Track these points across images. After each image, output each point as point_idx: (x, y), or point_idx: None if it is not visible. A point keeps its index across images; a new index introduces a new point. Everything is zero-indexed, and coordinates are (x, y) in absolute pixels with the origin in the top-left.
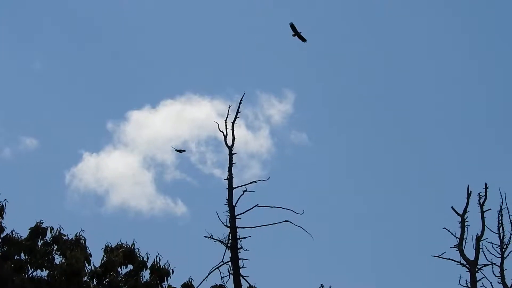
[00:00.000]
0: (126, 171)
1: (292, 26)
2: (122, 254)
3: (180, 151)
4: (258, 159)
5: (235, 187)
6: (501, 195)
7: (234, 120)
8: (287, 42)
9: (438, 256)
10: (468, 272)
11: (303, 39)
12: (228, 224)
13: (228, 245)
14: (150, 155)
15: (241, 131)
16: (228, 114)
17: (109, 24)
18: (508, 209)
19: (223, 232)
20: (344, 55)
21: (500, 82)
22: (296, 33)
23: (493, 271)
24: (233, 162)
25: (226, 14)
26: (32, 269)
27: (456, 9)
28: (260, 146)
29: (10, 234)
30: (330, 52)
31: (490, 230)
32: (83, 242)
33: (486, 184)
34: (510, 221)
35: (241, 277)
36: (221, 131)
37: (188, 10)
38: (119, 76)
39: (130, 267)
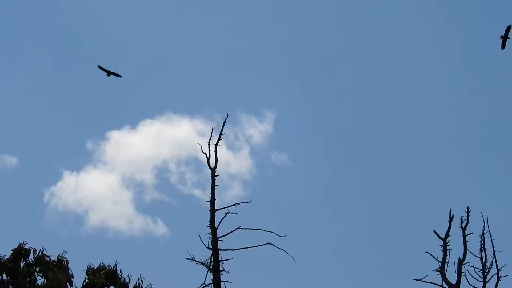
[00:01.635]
0: (105, 190)
1: (101, 68)
2: (104, 275)
3: (112, 74)
4: (239, 179)
5: (218, 209)
6: (483, 219)
7: (217, 142)
8: (267, 62)
9: (420, 280)
10: None
11: (118, 75)
12: (210, 246)
13: (210, 267)
14: (129, 175)
15: (221, 151)
16: (211, 135)
17: (89, 43)
18: (490, 233)
19: (205, 254)
20: (324, 74)
21: (485, 108)
22: (109, 73)
23: None
24: (215, 184)
25: (205, 34)
26: None
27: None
28: (241, 167)
29: None
30: (310, 71)
31: (472, 254)
32: (65, 263)
33: (468, 208)
34: (492, 245)
35: None
36: (204, 153)
37: (167, 30)
38: (99, 96)
39: None
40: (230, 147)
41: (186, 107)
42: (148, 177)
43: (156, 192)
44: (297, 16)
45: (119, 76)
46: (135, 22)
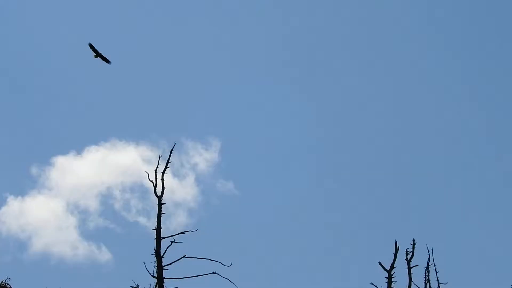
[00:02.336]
0: (49, 216)
1: (91, 46)
2: None
3: (102, 57)
4: (184, 207)
5: (163, 238)
6: (428, 252)
7: (164, 170)
8: (213, 89)
9: None
10: None
11: (107, 61)
12: (155, 275)
13: None
14: (73, 201)
15: (167, 179)
16: (158, 163)
17: (35, 70)
18: (435, 266)
19: (150, 282)
20: (269, 101)
21: (431, 135)
22: (98, 54)
23: None
24: (162, 212)
25: (148, 60)
26: None
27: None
28: (186, 194)
29: None
30: (254, 99)
31: (417, 286)
32: None
33: (413, 240)
34: (437, 277)
35: None
36: (151, 181)
37: (110, 53)
38: (45, 121)
39: None
40: (176, 174)
41: (131, 134)
42: (93, 204)
43: (101, 219)
44: (238, 47)
45: (108, 62)
46: (80, 47)
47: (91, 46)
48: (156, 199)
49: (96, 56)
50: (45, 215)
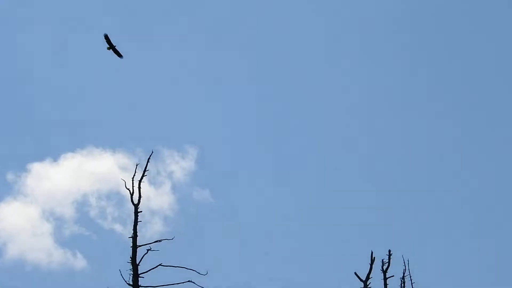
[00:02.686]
0: (25, 222)
1: (107, 37)
2: None
3: (114, 51)
4: (160, 215)
5: (139, 246)
6: (404, 262)
7: (141, 178)
8: (190, 96)
9: None
10: None
11: (119, 55)
12: (131, 283)
13: None
14: (49, 208)
15: (143, 187)
16: (135, 171)
17: (12, 76)
18: (411, 276)
19: None
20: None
21: (410, 141)
22: (111, 47)
23: None
24: (138, 220)
25: (124, 66)
26: None
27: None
28: (162, 202)
29: None
30: (233, 106)
31: None
32: None
33: (389, 251)
34: None
35: None
36: (128, 189)
37: (87, 61)
38: (21, 127)
39: None
40: (152, 182)
41: (108, 141)
42: (68, 211)
43: (76, 226)
44: (216, 53)
45: (121, 56)
46: (57, 52)
47: (106, 37)
48: (132, 207)
49: (109, 49)
50: (21, 222)
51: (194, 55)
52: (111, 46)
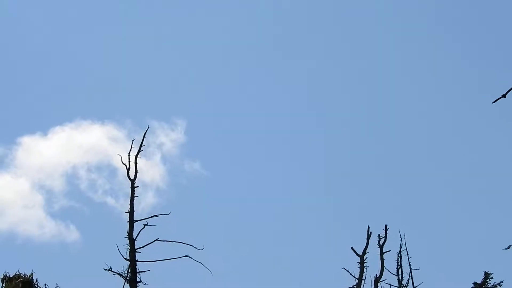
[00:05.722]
0: (15, 195)
1: None
2: (21, 284)
3: None
4: (152, 187)
5: (136, 221)
6: (400, 237)
7: (138, 153)
8: (178, 69)
9: None
10: None
11: None
12: (128, 257)
13: (128, 278)
14: (39, 180)
15: (139, 162)
16: (131, 147)
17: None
18: (407, 251)
19: (122, 264)
20: (234, 80)
21: (406, 128)
22: None
23: None
24: (135, 195)
25: (115, 40)
26: None
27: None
28: (154, 174)
29: None
30: (220, 77)
31: (389, 271)
32: None
33: (386, 226)
34: (409, 263)
35: None
36: (124, 164)
37: (75, 35)
38: (10, 101)
39: None
40: (143, 155)
41: (96, 114)
42: (58, 184)
43: (66, 199)
44: (209, 25)
45: None
46: (44, 31)
47: None
48: (125, 181)
49: None
50: (11, 195)
51: (184, 27)
52: None
